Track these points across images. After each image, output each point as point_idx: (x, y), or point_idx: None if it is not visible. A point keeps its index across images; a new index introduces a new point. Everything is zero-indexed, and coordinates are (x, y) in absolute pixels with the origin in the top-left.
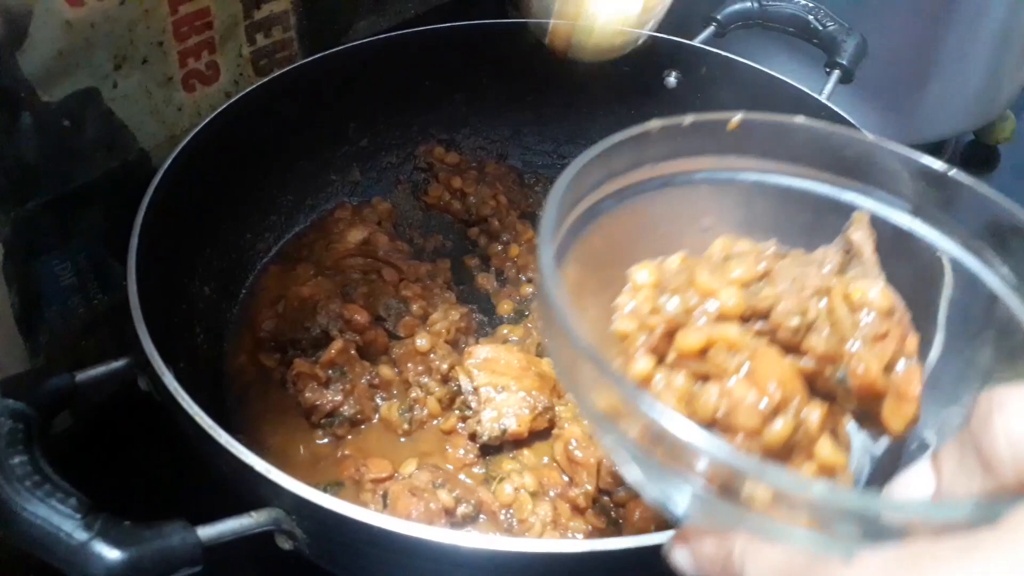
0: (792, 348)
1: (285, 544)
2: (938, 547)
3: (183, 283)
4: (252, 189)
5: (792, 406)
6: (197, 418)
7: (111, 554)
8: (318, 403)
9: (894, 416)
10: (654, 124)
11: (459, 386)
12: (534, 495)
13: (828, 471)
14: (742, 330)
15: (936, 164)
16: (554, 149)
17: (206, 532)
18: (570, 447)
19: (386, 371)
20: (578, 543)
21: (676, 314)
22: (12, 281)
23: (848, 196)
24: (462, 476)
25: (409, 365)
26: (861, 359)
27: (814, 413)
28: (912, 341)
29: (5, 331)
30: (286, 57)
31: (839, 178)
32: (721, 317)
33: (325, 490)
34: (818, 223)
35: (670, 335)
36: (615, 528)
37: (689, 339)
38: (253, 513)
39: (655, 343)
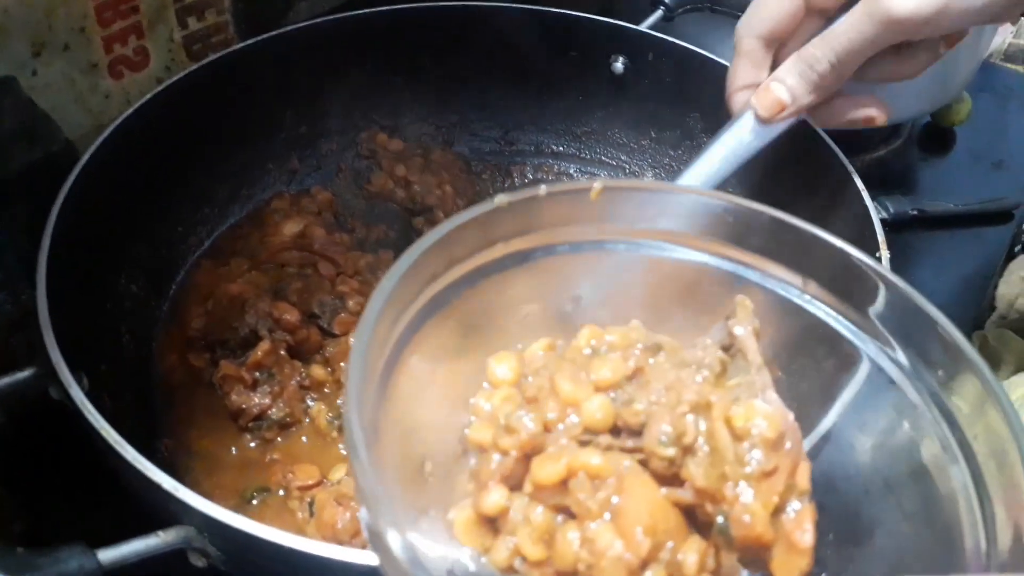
0: (667, 478)
1: (199, 562)
2: None
3: (108, 281)
4: (183, 180)
5: (664, 553)
6: (103, 431)
7: None
8: (245, 406)
9: (783, 569)
10: (501, 200)
11: None
12: None
13: None
14: (608, 450)
15: (824, 235)
16: (502, 135)
17: (107, 555)
18: None
19: (318, 371)
20: None
21: (533, 435)
22: None
23: (728, 267)
24: None
25: (342, 364)
26: (745, 509)
27: (690, 556)
28: (804, 472)
29: None
30: (222, 41)
31: (720, 247)
32: (586, 431)
33: (253, 496)
34: (700, 294)
35: (528, 458)
36: None
37: (546, 471)
38: (161, 532)
39: (509, 469)
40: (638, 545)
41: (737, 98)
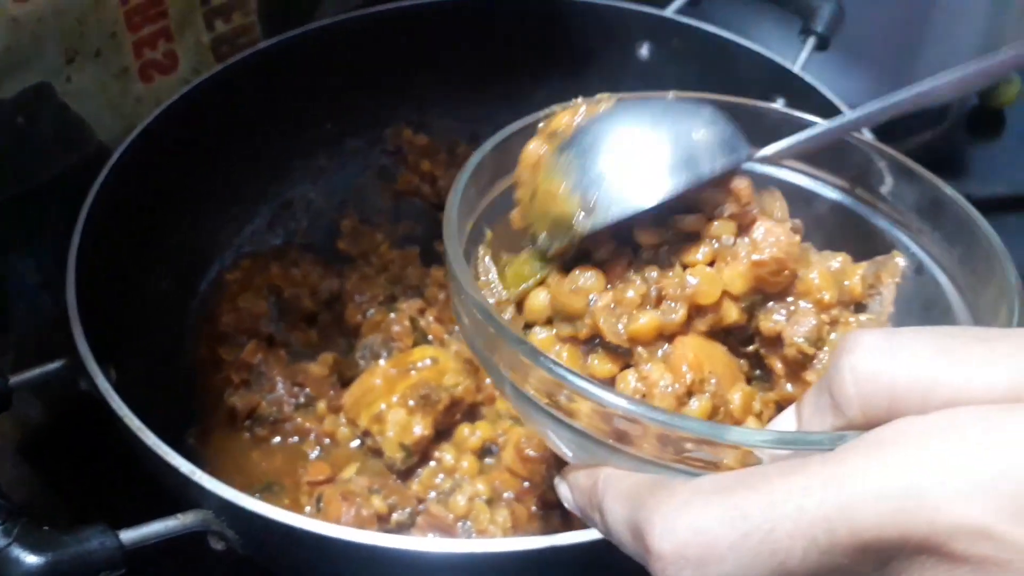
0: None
1: (217, 544)
2: (768, 468)
3: (139, 278)
4: (212, 179)
5: (708, 386)
6: (126, 419)
7: (29, 559)
8: (236, 405)
9: None
10: (553, 109)
11: None
12: (490, 502)
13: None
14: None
15: (867, 139)
16: None
17: (128, 535)
18: (522, 446)
19: (315, 369)
20: (500, 542)
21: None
22: None
23: (781, 173)
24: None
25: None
26: None
27: (736, 395)
28: None
29: None
30: (249, 42)
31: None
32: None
33: (265, 489)
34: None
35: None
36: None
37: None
38: (180, 515)
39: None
40: (683, 376)
41: None
